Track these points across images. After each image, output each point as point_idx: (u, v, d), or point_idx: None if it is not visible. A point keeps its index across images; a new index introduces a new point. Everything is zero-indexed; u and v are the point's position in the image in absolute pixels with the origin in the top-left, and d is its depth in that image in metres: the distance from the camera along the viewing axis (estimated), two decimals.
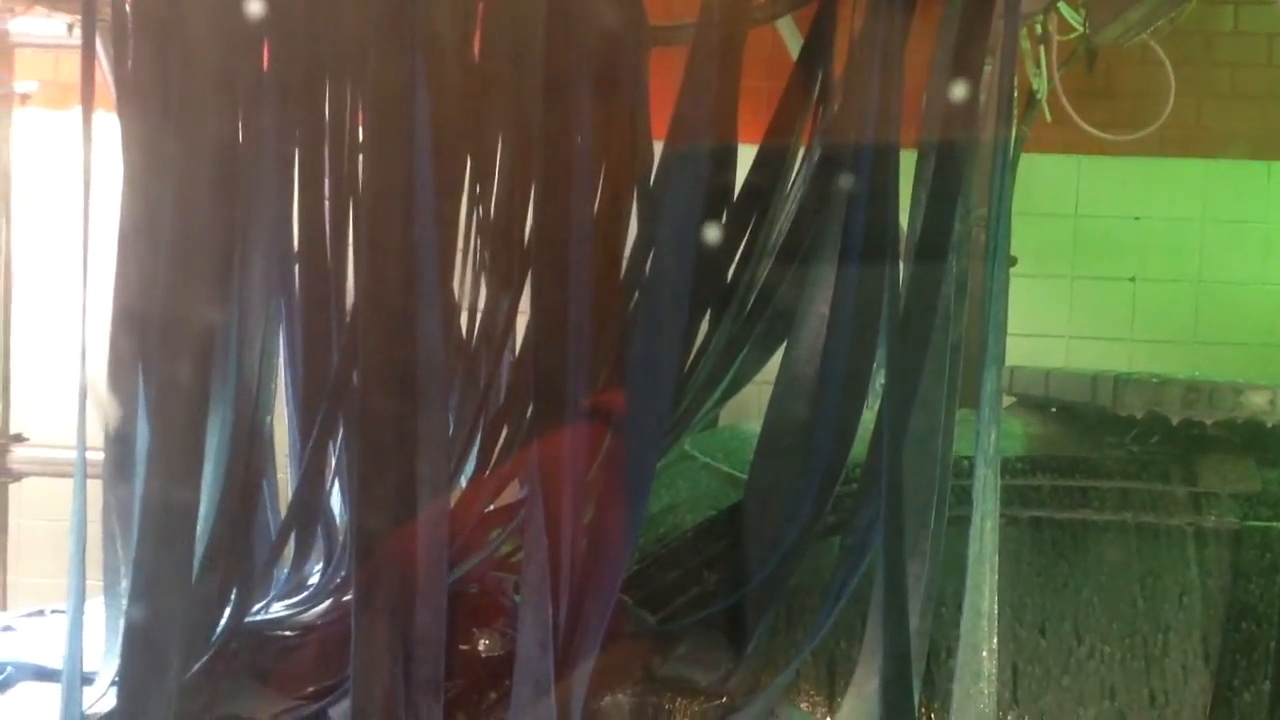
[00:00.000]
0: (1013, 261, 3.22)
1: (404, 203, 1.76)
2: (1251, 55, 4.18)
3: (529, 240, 2.07)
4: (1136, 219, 4.21)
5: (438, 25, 1.86)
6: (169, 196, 1.79)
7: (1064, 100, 3.61)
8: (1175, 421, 2.05)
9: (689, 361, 2.03)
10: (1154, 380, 2.08)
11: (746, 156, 2.19)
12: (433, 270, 1.78)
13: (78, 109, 3.54)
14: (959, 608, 1.73)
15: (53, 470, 3.33)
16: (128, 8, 1.89)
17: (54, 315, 3.75)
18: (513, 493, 2.07)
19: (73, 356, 1.81)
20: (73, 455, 1.79)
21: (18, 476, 3.41)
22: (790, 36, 3.24)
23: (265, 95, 1.89)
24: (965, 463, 1.85)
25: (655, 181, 2.05)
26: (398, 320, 1.76)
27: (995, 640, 1.71)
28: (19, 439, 3.39)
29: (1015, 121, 2.02)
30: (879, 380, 1.93)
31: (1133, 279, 4.21)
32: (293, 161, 1.94)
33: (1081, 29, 3.35)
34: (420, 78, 1.78)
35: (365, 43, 1.81)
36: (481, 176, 2.17)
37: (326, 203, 1.96)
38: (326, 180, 1.96)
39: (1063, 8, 3.23)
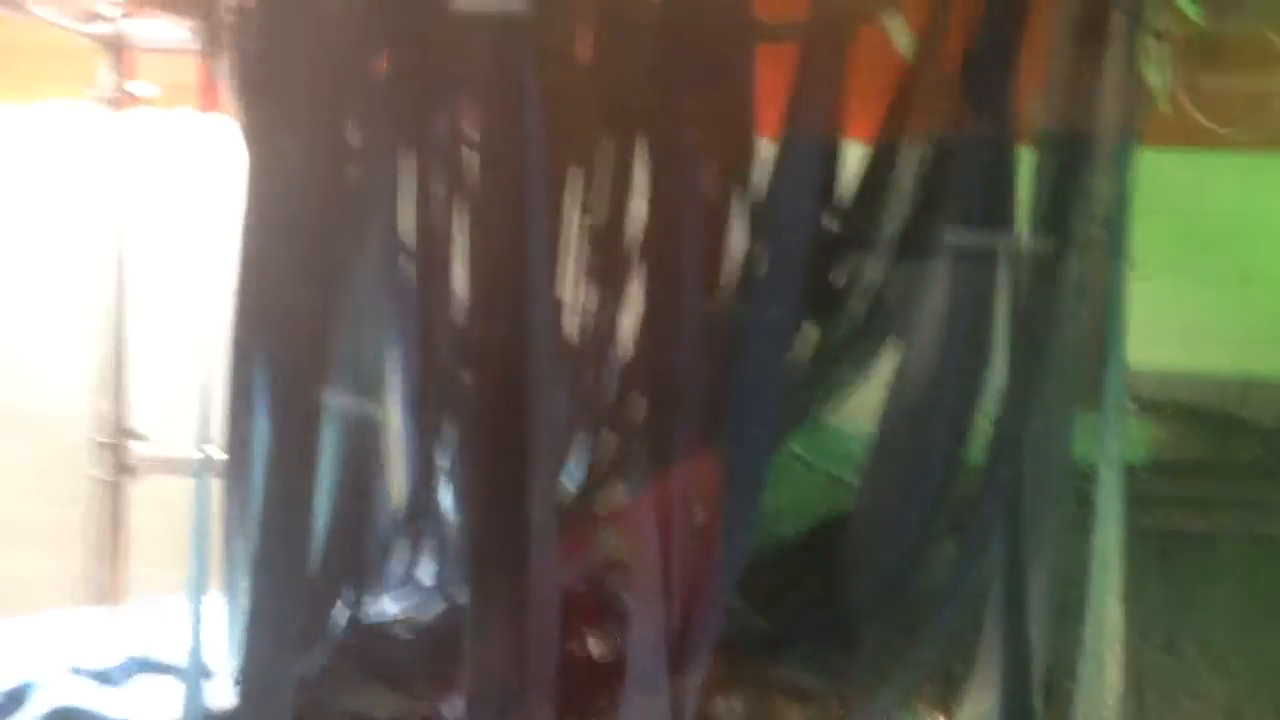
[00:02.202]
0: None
1: (516, 205, 1.76)
2: None
3: (634, 241, 2.07)
4: (1251, 216, 4.08)
5: (549, 26, 1.86)
6: (288, 200, 1.81)
7: (1180, 95, 3.51)
8: None
9: (800, 361, 2.01)
10: None
11: (853, 153, 2.16)
12: (545, 270, 1.77)
13: (188, 110, 3.60)
14: (1080, 618, 1.69)
15: (168, 467, 3.38)
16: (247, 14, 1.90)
17: (166, 314, 3.81)
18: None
19: (188, 356, 1.83)
20: (187, 453, 1.82)
21: (135, 473, 3.47)
22: (898, 33, 3.19)
23: (380, 98, 1.89)
24: (1086, 467, 1.80)
25: (771, 181, 2.02)
26: (509, 322, 1.76)
27: (1119, 651, 1.66)
28: (135, 435, 3.44)
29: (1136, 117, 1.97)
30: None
31: (1246, 278, 4.08)
32: (406, 163, 1.95)
33: (1199, 21, 3.26)
34: (532, 79, 1.78)
35: (478, 46, 1.82)
36: (587, 178, 2.16)
37: (439, 204, 1.97)
38: (439, 181, 1.97)
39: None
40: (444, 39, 1.94)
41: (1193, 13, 3.21)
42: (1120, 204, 1.81)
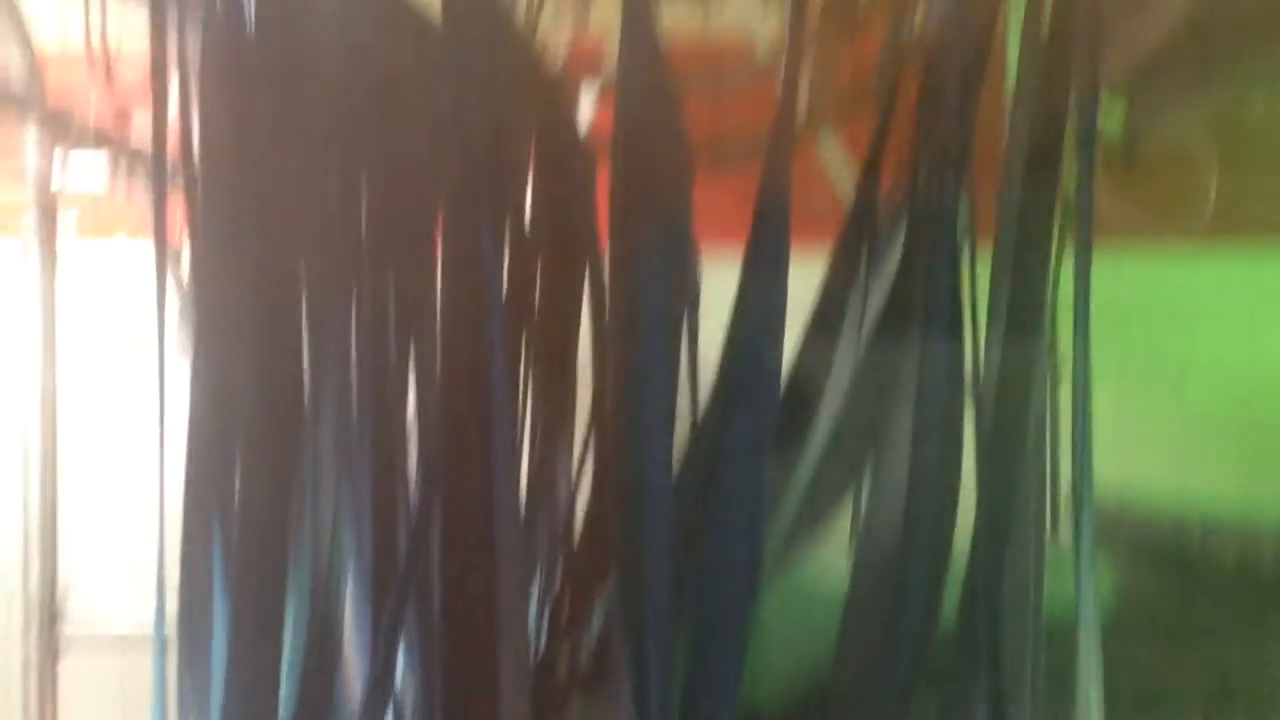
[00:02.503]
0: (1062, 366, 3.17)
1: (476, 374, 1.73)
2: None
3: (592, 400, 2.05)
4: (1182, 312, 4.16)
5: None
6: (238, 354, 1.75)
7: (1103, 198, 3.59)
8: (1269, 574, 2.01)
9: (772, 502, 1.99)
10: (1243, 531, 2.04)
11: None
12: (507, 448, 1.74)
13: (119, 237, 3.52)
14: None
15: (102, 644, 3.26)
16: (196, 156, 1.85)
17: (101, 474, 3.68)
18: None
19: (128, 517, 1.76)
20: (124, 629, 1.74)
21: (64, 650, 3.33)
22: (833, 153, 3.21)
23: (333, 245, 1.85)
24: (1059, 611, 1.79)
25: (733, 316, 1.99)
26: (470, 487, 1.72)
27: None
28: (64, 608, 3.31)
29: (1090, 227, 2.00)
30: None
31: (1181, 374, 4.14)
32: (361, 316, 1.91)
33: (1122, 129, 3.34)
34: (493, 245, 1.76)
35: (434, 208, 1.80)
36: (538, 320, 2.14)
37: (395, 361, 1.93)
38: (393, 348, 1.92)
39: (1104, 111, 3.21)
40: (398, 187, 1.91)
41: (1115, 120, 3.30)
42: (1080, 318, 1.83)
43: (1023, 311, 1.87)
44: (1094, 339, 4.08)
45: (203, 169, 1.83)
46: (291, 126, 1.77)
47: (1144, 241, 3.85)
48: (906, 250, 2.04)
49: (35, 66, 3.01)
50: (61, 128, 2.86)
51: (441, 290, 1.78)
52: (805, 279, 2.16)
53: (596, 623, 1.94)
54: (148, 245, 1.82)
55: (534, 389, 2.09)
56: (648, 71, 1.91)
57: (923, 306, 1.93)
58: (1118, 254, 4.03)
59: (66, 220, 3.45)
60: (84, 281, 3.67)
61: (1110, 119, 3.33)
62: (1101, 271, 4.09)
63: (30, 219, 3.27)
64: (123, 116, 3.09)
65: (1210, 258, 4.10)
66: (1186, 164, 3.85)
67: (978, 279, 1.91)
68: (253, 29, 1.72)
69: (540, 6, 3.24)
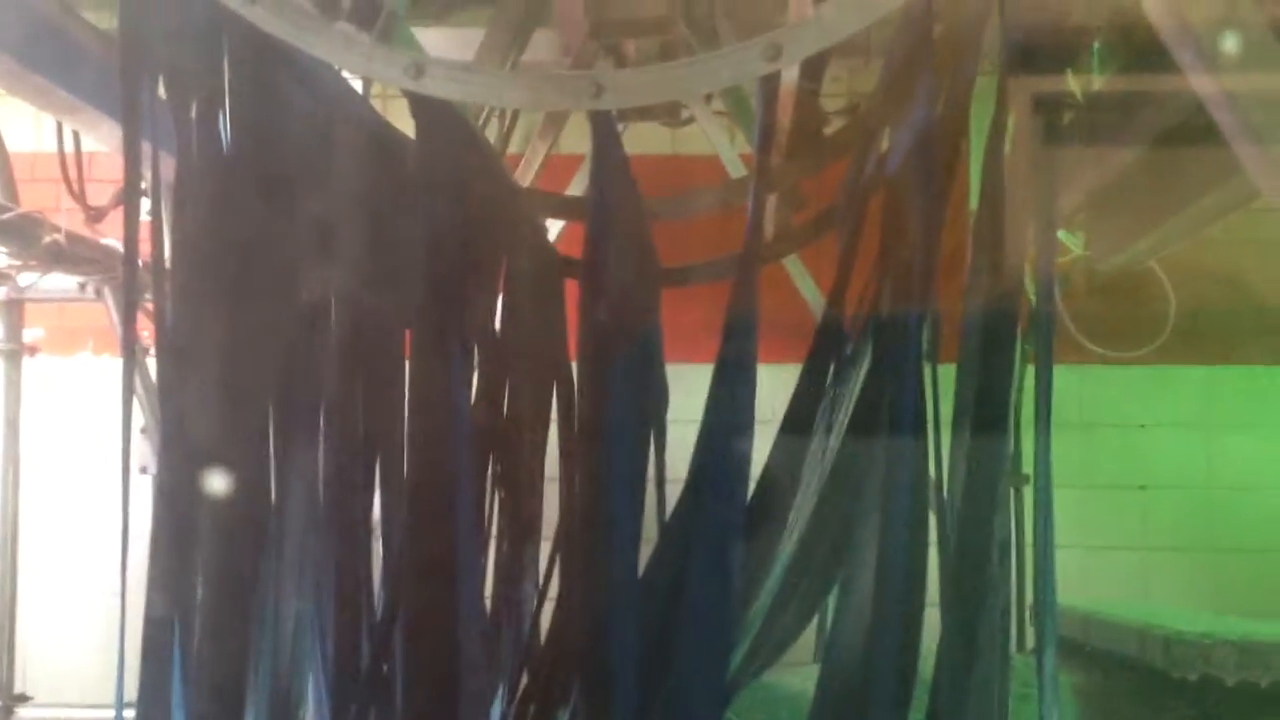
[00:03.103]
0: (1025, 479, 3.21)
1: (443, 484, 1.72)
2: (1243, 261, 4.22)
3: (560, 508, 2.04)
4: (1142, 427, 4.21)
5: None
6: (207, 478, 1.74)
7: (1065, 318, 3.68)
8: (1230, 683, 2.03)
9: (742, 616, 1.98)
10: (1206, 640, 2.05)
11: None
12: (473, 557, 1.74)
13: (84, 355, 3.50)
14: None
15: None
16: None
17: (60, 569, 3.65)
18: None
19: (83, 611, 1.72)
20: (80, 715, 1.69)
21: None
22: (799, 275, 3.26)
23: (300, 373, 1.86)
24: None
25: (704, 418, 2.00)
26: (432, 625, 1.71)
27: None
28: (23, 699, 3.25)
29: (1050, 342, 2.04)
30: None
31: (1143, 487, 4.19)
32: (324, 441, 1.90)
33: (1080, 251, 3.41)
34: (462, 358, 1.77)
35: (404, 322, 1.81)
36: (506, 445, 2.14)
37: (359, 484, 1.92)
38: (360, 459, 1.92)
39: (1061, 233, 3.29)
40: (368, 302, 1.93)
41: (1074, 244, 3.37)
42: (1042, 429, 1.85)
43: (986, 423, 1.89)
44: (1056, 449, 4.10)
45: (173, 284, 1.84)
46: (263, 243, 1.78)
47: (1104, 357, 3.92)
48: (873, 364, 2.07)
49: (7, 173, 3.02)
50: (31, 236, 2.84)
51: (410, 402, 1.79)
52: (776, 387, 2.20)
53: None
54: (111, 362, 1.82)
55: (501, 497, 2.09)
56: (617, 190, 1.94)
57: (888, 419, 1.94)
58: (1078, 367, 4.12)
59: (33, 337, 3.44)
60: (50, 396, 3.66)
61: (1072, 246, 3.40)
62: (1061, 383, 4.14)
63: None
64: (94, 229, 3.10)
65: (1170, 377, 4.16)
66: (1145, 287, 3.93)
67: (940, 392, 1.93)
68: (228, 149, 1.74)
69: (512, 127, 3.34)
